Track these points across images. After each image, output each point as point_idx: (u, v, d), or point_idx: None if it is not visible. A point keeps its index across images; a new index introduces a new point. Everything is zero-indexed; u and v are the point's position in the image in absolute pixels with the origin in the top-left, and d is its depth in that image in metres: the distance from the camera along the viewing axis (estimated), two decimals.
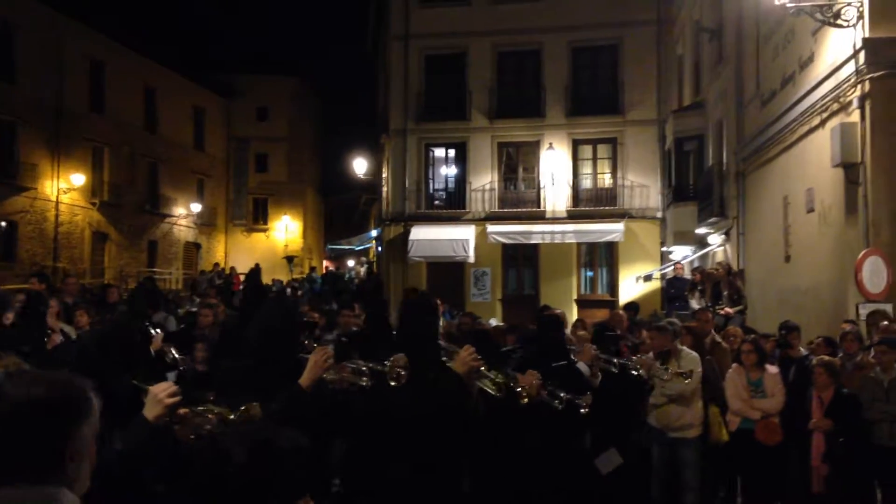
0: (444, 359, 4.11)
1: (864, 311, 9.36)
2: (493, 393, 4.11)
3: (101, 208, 31.09)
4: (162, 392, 2.89)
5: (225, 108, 40.99)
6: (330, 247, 43.77)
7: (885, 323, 8.23)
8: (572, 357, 5.76)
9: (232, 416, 2.94)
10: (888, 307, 9.27)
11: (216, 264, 34.12)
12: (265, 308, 4.10)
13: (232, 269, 31.12)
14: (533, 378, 4.51)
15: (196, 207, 37.68)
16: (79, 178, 29.37)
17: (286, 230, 41.82)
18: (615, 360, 5.92)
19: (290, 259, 34.19)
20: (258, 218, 42.21)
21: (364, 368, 3.70)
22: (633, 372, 5.96)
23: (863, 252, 9.66)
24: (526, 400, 4.29)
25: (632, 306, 14.03)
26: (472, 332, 7.06)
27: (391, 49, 26.01)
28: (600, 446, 5.98)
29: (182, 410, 2.92)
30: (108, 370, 3.06)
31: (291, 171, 42.29)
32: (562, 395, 4.62)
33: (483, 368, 4.08)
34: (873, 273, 9.47)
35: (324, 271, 36.47)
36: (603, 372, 5.80)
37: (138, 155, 33.66)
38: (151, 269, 33.25)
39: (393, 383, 3.60)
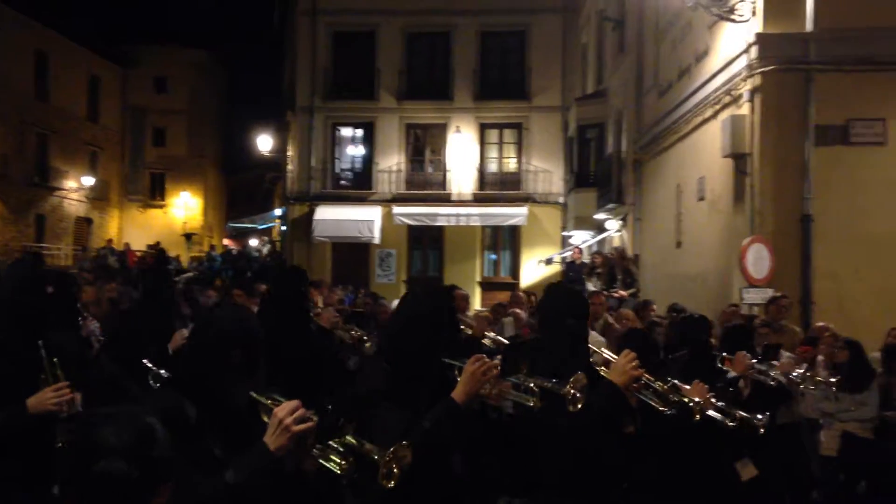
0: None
1: (748, 295, 9.83)
2: (659, 408, 3.42)
3: None
4: (288, 416, 2.27)
5: (121, 77, 39.10)
6: (231, 225, 42.61)
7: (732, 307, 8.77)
8: (719, 365, 5.00)
9: (376, 458, 2.35)
10: (769, 292, 9.74)
11: (109, 241, 32.70)
12: (405, 301, 3.32)
13: (126, 245, 29.93)
14: (701, 389, 3.71)
15: (88, 181, 35.89)
16: None
17: (185, 207, 40.41)
18: (772, 373, 5.12)
19: (188, 237, 33.12)
20: (155, 194, 40.56)
21: (532, 385, 3.07)
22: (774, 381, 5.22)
23: (748, 239, 10.10)
24: (699, 417, 3.53)
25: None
26: (629, 333, 5.80)
27: (298, 24, 25.45)
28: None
29: (311, 444, 2.33)
30: (229, 377, 2.45)
31: (191, 146, 40.78)
32: (736, 412, 3.93)
33: (646, 378, 3.39)
34: (757, 259, 9.91)
35: (222, 249, 35.49)
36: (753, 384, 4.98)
37: (27, 123, 31.78)
38: (39, 244, 31.57)
39: (570, 408, 3.00)
